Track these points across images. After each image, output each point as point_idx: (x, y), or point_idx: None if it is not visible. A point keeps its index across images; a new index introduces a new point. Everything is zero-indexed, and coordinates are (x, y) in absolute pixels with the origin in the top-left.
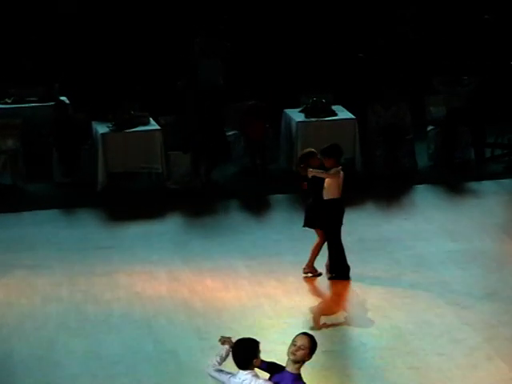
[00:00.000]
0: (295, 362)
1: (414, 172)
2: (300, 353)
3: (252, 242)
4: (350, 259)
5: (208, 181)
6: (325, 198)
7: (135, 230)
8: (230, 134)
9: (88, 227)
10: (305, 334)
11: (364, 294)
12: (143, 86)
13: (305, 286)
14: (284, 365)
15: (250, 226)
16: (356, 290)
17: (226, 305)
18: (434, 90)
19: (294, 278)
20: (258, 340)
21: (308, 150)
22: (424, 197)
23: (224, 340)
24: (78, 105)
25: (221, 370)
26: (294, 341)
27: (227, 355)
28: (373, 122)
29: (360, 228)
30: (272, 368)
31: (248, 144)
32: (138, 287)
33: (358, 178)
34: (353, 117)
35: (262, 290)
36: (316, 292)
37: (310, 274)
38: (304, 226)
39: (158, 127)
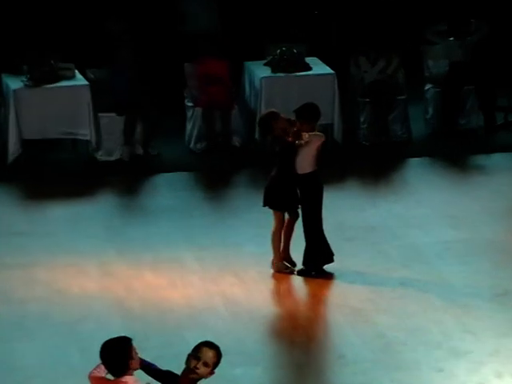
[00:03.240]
0: (193, 379)
1: (408, 142)
2: (203, 370)
3: (204, 229)
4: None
5: (148, 151)
6: (300, 171)
7: (57, 213)
8: (189, 104)
9: None
10: (210, 345)
11: (343, 295)
12: (67, 29)
13: (269, 283)
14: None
15: (202, 208)
16: (333, 288)
17: (171, 306)
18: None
19: (256, 273)
20: (129, 337)
21: (269, 110)
22: (419, 173)
23: None
24: None
25: None
26: (196, 352)
27: None
28: (356, 79)
29: (339, 212)
30: (163, 376)
31: (205, 102)
32: (60, 283)
33: (336, 150)
34: (331, 72)
35: (216, 288)
36: (284, 291)
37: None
38: (264, 205)
39: (86, 82)
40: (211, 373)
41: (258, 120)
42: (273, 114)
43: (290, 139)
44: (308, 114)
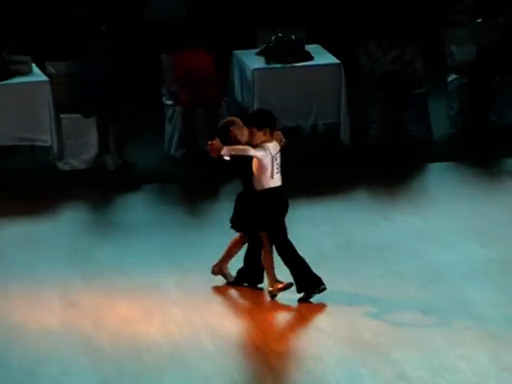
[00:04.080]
0: None
1: (428, 144)
2: None
3: (186, 249)
4: (332, 271)
5: (121, 159)
6: (257, 188)
7: (12, 231)
8: (168, 102)
9: None
10: None
11: (353, 326)
12: (22, 15)
13: (265, 313)
14: None
15: (184, 224)
16: (341, 319)
17: (148, 344)
18: (455, 23)
19: (250, 302)
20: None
21: (228, 118)
22: (441, 180)
23: None
24: None
25: None
26: None
27: None
28: (366, 70)
29: (347, 227)
30: None
31: (187, 100)
32: (14, 317)
33: (343, 154)
34: (337, 61)
35: (202, 321)
36: (283, 322)
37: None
38: (232, 227)
39: (46, 78)
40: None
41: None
42: (231, 122)
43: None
44: (256, 120)
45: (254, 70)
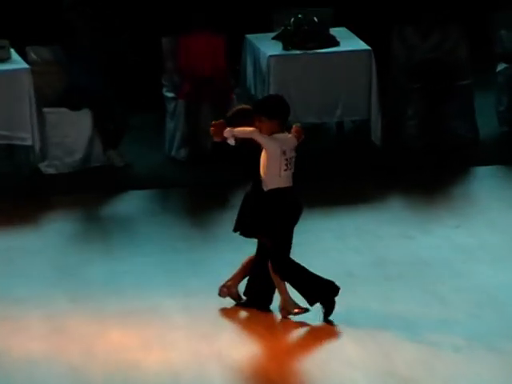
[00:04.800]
0: None
1: (473, 144)
2: None
3: (191, 267)
4: (360, 293)
5: (113, 160)
6: (263, 188)
7: None
8: (169, 95)
9: None
10: None
11: (386, 357)
12: None
13: (280, 340)
14: None
15: (188, 238)
16: (371, 348)
17: (145, 376)
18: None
19: (263, 327)
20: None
21: (240, 106)
22: (489, 187)
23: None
24: None
25: None
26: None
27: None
28: (401, 58)
29: (377, 241)
30: None
31: (191, 92)
32: None
33: (374, 155)
34: (367, 48)
35: (208, 348)
36: (301, 351)
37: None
38: (235, 230)
39: (26, 66)
40: None
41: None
42: (244, 111)
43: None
44: (267, 109)
45: (270, 57)
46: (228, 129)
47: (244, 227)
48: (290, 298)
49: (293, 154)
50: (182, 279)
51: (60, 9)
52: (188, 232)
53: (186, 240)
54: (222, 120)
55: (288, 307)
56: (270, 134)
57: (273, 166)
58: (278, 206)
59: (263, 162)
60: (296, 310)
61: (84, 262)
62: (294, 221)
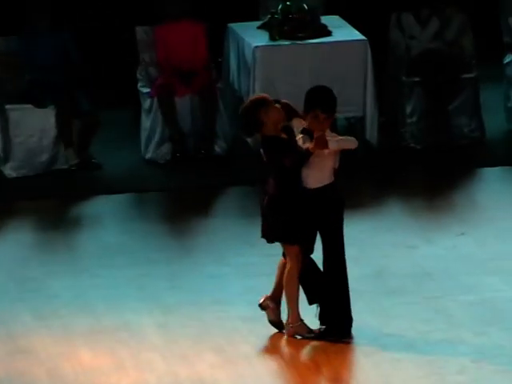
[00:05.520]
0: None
1: (479, 144)
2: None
3: (169, 281)
4: (359, 308)
5: (85, 162)
6: (311, 185)
7: None
8: (144, 91)
9: None
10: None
11: (384, 377)
12: None
13: (269, 361)
14: None
15: (166, 248)
16: (368, 367)
17: None
18: None
19: (249, 346)
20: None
21: (254, 96)
22: (498, 191)
23: None
24: None
25: None
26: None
27: None
28: (399, 49)
29: (376, 252)
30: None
31: (168, 86)
32: None
33: (370, 156)
34: (362, 38)
35: (188, 371)
36: (293, 374)
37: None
38: (271, 239)
39: None
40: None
41: (241, 108)
42: (264, 101)
43: (310, 147)
44: (329, 104)
45: (256, 47)
46: (333, 140)
47: (283, 233)
48: (298, 312)
49: None
50: (159, 294)
51: None
52: (164, 242)
53: (162, 250)
54: (322, 133)
55: (297, 329)
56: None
57: (329, 164)
58: (335, 200)
59: (325, 164)
60: (307, 335)
61: (48, 275)
62: (342, 216)
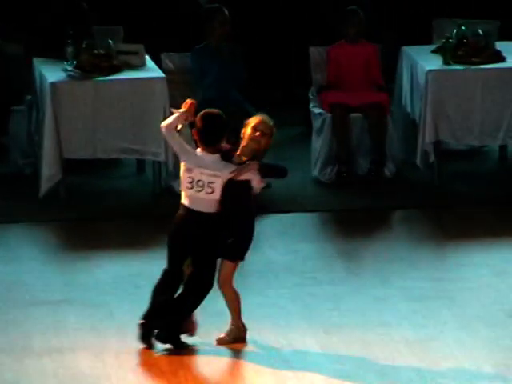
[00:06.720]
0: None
1: None
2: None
3: (335, 299)
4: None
5: None
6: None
7: None
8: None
9: None
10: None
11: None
12: None
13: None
14: None
15: (336, 269)
16: None
17: None
18: None
19: (412, 370)
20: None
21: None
22: None
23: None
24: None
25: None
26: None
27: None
28: None
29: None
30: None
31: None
32: None
33: None
34: None
35: None
36: None
37: None
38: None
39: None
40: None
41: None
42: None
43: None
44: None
45: (429, 71)
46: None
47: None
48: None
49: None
50: (323, 314)
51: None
52: (330, 262)
53: (327, 271)
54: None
55: (239, 333)
56: None
57: None
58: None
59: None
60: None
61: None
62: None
